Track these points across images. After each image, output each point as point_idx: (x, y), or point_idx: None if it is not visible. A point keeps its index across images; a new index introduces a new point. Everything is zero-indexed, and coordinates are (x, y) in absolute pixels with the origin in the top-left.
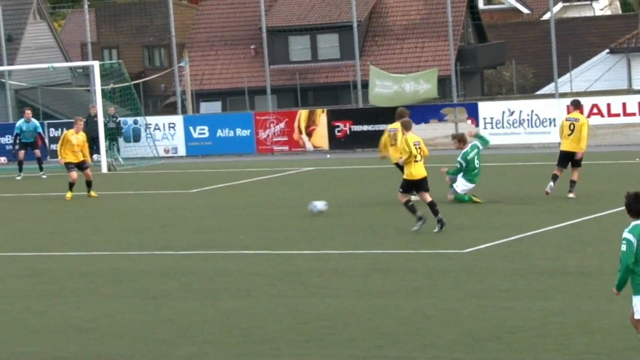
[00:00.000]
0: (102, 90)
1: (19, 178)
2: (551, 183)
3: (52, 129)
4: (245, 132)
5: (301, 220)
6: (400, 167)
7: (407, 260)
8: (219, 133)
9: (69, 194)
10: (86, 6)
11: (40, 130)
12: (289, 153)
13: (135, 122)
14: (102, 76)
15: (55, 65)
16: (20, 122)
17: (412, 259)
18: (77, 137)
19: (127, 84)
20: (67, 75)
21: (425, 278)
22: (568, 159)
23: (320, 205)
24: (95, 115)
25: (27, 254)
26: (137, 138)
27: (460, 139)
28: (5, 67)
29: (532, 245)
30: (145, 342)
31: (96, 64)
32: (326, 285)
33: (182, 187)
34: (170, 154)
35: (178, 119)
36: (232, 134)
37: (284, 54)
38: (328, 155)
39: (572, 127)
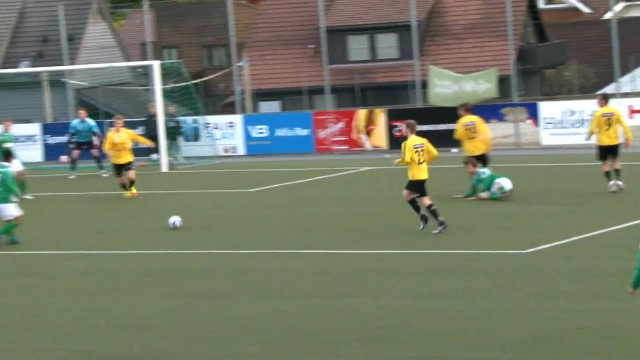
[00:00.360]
0: (162, 90)
1: (72, 177)
2: (612, 181)
3: (112, 128)
4: (304, 132)
5: (359, 220)
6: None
7: (467, 260)
8: (278, 132)
9: (130, 191)
10: (146, 6)
11: (96, 129)
12: (347, 153)
13: (195, 122)
14: (162, 75)
15: (116, 64)
16: (75, 122)
17: (472, 259)
18: (119, 135)
19: (186, 83)
20: (127, 75)
21: (486, 278)
22: (609, 152)
23: (175, 220)
24: (155, 115)
25: (87, 252)
26: (196, 137)
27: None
28: (67, 67)
29: (594, 246)
30: (205, 340)
31: (156, 64)
32: (385, 285)
33: (241, 187)
34: (229, 153)
35: (237, 119)
36: (291, 133)
37: (343, 54)
38: (386, 155)
39: (609, 121)
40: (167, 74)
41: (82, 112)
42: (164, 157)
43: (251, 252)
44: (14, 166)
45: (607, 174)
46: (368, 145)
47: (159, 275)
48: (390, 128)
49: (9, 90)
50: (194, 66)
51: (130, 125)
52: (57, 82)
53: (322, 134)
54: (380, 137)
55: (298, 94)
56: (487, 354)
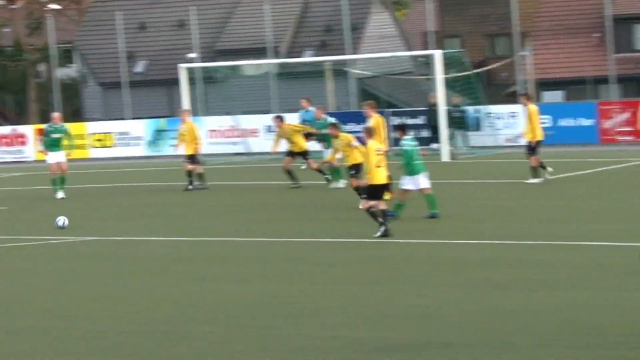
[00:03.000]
0: (443, 79)
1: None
2: None
3: (394, 118)
4: (588, 122)
5: None
6: None
7: None
8: (561, 122)
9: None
10: None
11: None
12: (633, 143)
13: (476, 111)
14: (443, 65)
15: (397, 54)
16: (302, 112)
17: None
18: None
19: (468, 72)
20: (408, 64)
21: None
22: None
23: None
24: (435, 104)
25: (373, 240)
26: (478, 127)
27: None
28: (349, 56)
29: None
30: (486, 331)
31: (438, 53)
32: None
33: (521, 177)
34: (512, 144)
35: (520, 109)
36: (574, 123)
37: (629, 43)
38: None
39: None
40: (449, 63)
41: (311, 105)
42: (444, 147)
43: (533, 243)
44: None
45: None
46: None
47: (442, 265)
48: None
49: (293, 80)
50: (475, 55)
51: (410, 114)
52: (339, 71)
53: (607, 124)
54: None
55: (581, 84)
56: None
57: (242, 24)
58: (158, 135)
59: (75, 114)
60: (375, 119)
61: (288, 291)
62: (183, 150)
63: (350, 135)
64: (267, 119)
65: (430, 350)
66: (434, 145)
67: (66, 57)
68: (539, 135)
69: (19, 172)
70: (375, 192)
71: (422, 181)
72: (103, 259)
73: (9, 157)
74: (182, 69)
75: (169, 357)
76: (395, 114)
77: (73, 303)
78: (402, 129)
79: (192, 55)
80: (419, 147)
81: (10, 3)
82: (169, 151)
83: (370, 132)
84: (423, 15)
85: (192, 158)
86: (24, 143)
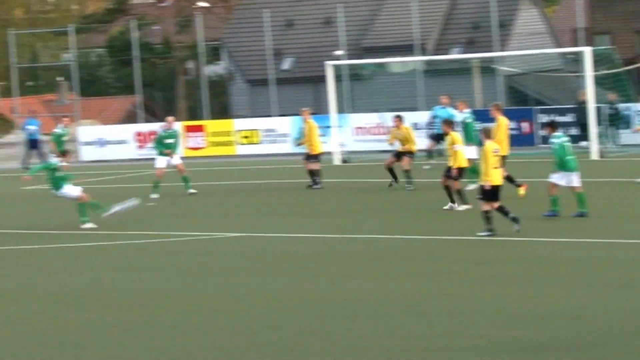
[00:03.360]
0: (593, 77)
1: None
2: None
3: (542, 115)
4: None
5: None
6: None
7: None
8: None
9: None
10: None
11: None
12: None
13: (627, 109)
14: (593, 62)
15: (546, 51)
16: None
17: None
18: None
19: (618, 70)
20: (557, 61)
21: None
22: None
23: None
24: (584, 102)
25: (521, 239)
26: (628, 125)
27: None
28: (497, 53)
29: None
30: (637, 332)
31: (587, 50)
32: None
33: None
34: None
35: None
36: None
37: None
38: None
39: None
40: (599, 60)
41: (444, 99)
42: (594, 145)
43: None
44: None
45: None
46: None
47: (588, 264)
48: None
49: (439, 77)
50: (626, 52)
51: (558, 112)
52: (487, 68)
53: None
54: None
55: None
56: None
57: (389, 21)
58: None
59: (222, 111)
60: (500, 121)
61: (432, 290)
62: (305, 149)
63: (457, 137)
64: (414, 117)
65: (579, 350)
66: (583, 143)
67: (214, 55)
68: None
69: (168, 168)
70: (491, 193)
71: (574, 179)
72: (244, 256)
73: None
74: (329, 66)
75: (313, 354)
76: (543, 111)
77: (214, 299)
78: (551, 125)
79: (339, 52)
80: (569, 144)
81: (160, 1)
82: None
83: (487, 134)
84: (572, 11)
85: (314, 157)
86: None
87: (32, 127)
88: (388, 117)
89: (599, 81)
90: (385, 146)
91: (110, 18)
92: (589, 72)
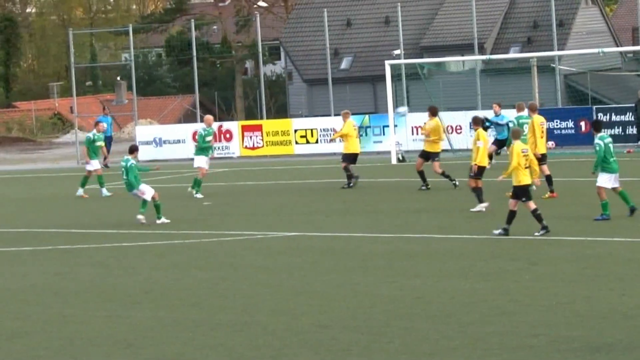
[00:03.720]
0: None
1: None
2: None
3: (600, 114)
4: None
5: None
6: None
7: None
8: None
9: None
10: None
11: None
12: None
13: None
14: None
15: (605, 50)
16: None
17: None
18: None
19: None
20: (617, 60)
21: None
22: None
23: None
24: None
25: (574, 238)
26: None
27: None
28: (556, 52)
29: None
30: None
31: None
32: None
33: None
34: None
35: None
36: None
37: None
38: None
39: None
40: None
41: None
42: None
43: None
44: None
45: None
46: None
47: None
48: None
49: (498, 76)
50: None
51: (617, 111)
52: (546, 67)
53: None
54: None
55: None
56: None
57: (448, 20)
58: (362, 131)
59: (280, 110)
60: (534, 120)
61: (487, 288)
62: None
63: (483, 134)
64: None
65: (633, 351)
66: None
67: (272, 54)
68: None
69: (224, 167)
70: (521, 193)
71: (615, 180)
72: (305, 254)
73: (215, 153)
74: (387, 66)
75: (382, 353)
76: (600, 110)
77: (276, 297)
78: (594, 125)
79: (397, 51)
80: (611, 144)
81: (219, 1)
82: (372, 147)
83: (515, 134)
84: (632, 10)
85: (351, 158)
86: (230, 139)
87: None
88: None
89: None
90: (444, 145)
91: (169, 18)
92: None
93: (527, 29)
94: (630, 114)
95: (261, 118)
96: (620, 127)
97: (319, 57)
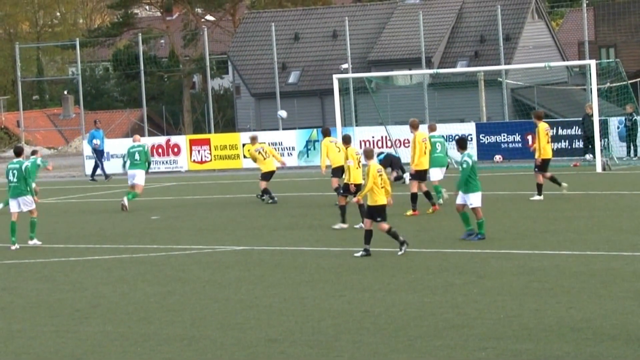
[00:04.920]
0: (598, 89)
1: None
2: None
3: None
4: None
5: None
6: None
7: None
8: None
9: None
10: (584, 5)
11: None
12: None
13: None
14: (598, 75)
15: (552, 64)
16: None
17: None
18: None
19: (624, 82)
20: (563, 74)
21: None
22: None
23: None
24: (592, 115)
25: (521, 251)
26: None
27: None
28: (503, 66)
29: None
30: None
31: (593, 63)
32: None
33: None
34: None
35: None
36: None
37: None
38: None
39: None
40: (604, 73)
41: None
42: (598, 158)
43: None
44: None
45: None
46: None
47: (593, 276)
48: None
49: (446, 90)
50: (632, 65)
51: (565, 125)
52: (493, 81)
53: None
54: None
55: None
56: None
57: (395, 34)
58: (310, 145)
59: (228, 124)
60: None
61: (435, 302)
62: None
63: (352, 152)
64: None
65: None
66: (588, 157)
67: (220, 68)
68: None
69: (172, 182)
70: (376, 213)
71: (473, 199)
72: (254, 268)
73: (163, 167)
74: (335, 80)
75: None
76: (552, 124)
77: (224, 312)
78: (460, 143)
79: (345, 65)
80: (476, 164)
81: (167, 15)
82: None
83: (369, 154)
84: (578, 25)
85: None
86: (178, 153)
87: (96, 141)
88: (393, 130)
89: (605, 94)
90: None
91: (117, 32)
92: (594, 85)
93: (474, 43)
94: (577, 127)
95: (209, 132)
96: (567, 141)
97: (266, 71)
